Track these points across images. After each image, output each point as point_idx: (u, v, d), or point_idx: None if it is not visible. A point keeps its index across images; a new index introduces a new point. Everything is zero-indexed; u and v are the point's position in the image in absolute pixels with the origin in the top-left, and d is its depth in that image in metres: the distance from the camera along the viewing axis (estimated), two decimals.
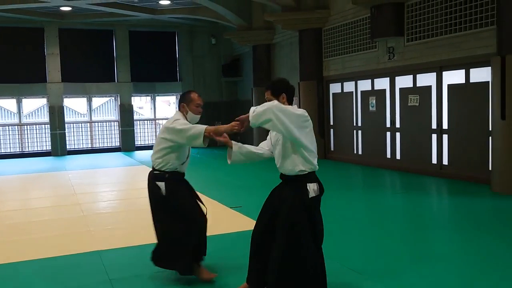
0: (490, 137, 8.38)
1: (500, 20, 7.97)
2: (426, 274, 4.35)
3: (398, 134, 11.06)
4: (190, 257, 4.16)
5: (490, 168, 8.43)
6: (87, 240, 5.88)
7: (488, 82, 8.40)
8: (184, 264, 4.15)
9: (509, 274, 4.32)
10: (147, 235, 5.91)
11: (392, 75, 11.10)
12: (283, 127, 3.33)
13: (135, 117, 18.92)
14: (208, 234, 5.13)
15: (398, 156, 11.10)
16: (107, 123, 18.63)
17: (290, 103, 3.67)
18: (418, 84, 10.40)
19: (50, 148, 17.38)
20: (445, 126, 9.77)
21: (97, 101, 19.15)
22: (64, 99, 17.66)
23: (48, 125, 17.34)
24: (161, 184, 4.22)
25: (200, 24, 18.68)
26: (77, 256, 5.22)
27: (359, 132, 12.43)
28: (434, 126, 9.99)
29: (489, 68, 8.23)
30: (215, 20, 16.93)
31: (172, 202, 4.21)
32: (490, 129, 8.36)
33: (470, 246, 5.25)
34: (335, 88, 13.37)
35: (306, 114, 3.50)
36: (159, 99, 19.55)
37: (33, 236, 6.13)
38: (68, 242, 5.79)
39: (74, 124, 18.20)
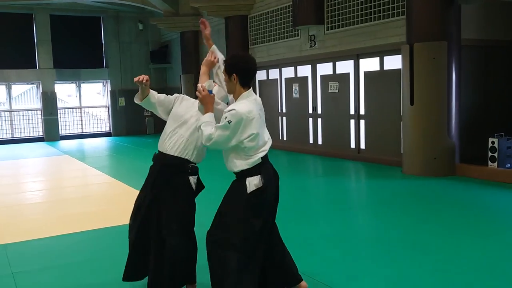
0: (402, 122, 8.82)
1: (408, 10, 8.37)
2: (342, 253, 4.56)
3: (319, 120, 11.39)
4: None
5: (402, 151, 8.89)
6: None
7: (400, 69, 8.81)
8: None
9: (412, 243, 4.63)
10: (60, 227, 5.82)
11: (313, 62, 11.38)
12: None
13: (60, 105, 18.21)
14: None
15: (319, 142, 11.44)
16: (28, 112, 17.81)
17: (246, 86, 3.21)
18: (338, 71, 10.74)
19: None
20: (362, 111, 10.18)
21: (17, 89, 18.26)
22: None
23: None
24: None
25: (127, 9, 18.19)
26: None
27: (284, 118, 12.68)
28: (352, 112, 10.38)
29: (400, 56, 8.63)
30: (141, 5, 16.56)
31: None
32: (402, 114, 8.80)
33: (381, 223, 5.64)
34: (261, 75, 13.51)
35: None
36: (86, 86, 18.89)
37: None
38: None
39: None
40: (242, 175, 3.22)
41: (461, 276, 3.89)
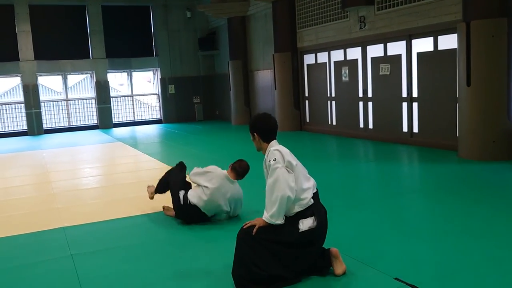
0: (457, 104, 8.47)
1: None
2: (396, 239, 4.46)
3: (370, 104, 11.13)
4: None
5: (457, 135, 8.55)
6: (53, 217, 5.89)
7: (456, 49, 8.44)
8: None
9: (468, 229, 4.45)
10: (114, 211, 5.99)
11: (363, 44, 11.10)
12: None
13: (112, 93, 18.73)
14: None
15: (370, 126, 11.19)
16: (83, 100, 18.43)
17: (268, 141, 3.68)
18: (389, 53, 10.42)
19: (26, 128, 17.17)
20: (415, 94, 9.85)
21: (73, 79, 18.90)
22: (39, 77, 17.38)
23: (23, 105, 17.10)
24: None
25: None
26: (41, 233, 5.24)
27: (333, 103, 12.47)
28: (404, 94, 10.07)
29: (456, 35, 8.26)
30: None
31: None
32: (457, 96, 8.44)
33: (436, 209, 5.45)
34: (309, 59, 13.33)
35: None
36: (136, 75, 19.33)
37: None
38: (33, 220, 5.80)
39: (50, 103, 17.98)
40: (296, 217, 3.49)
41: None
